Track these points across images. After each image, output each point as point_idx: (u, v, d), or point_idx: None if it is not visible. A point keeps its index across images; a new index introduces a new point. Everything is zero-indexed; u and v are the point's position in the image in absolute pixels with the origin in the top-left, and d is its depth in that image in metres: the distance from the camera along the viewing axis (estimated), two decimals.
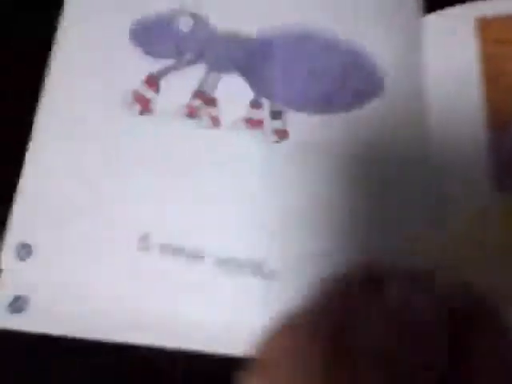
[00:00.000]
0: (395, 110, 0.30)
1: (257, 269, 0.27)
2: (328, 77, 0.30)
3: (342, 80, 0.30)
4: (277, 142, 0.29)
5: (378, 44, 0.31)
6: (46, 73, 0.29)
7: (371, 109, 0.30)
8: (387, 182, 0.29)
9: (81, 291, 0.26)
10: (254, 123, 0.29)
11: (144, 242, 0.27)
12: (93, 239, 0.26)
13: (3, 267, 0.26)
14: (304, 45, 0.31)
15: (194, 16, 0.30)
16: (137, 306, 0.26)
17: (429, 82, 0.30)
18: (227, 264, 0.27)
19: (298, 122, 0.29)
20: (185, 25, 0.30)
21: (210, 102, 0.29)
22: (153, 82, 0.29)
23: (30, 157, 0.28)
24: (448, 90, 0.30)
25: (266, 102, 0.30)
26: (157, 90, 0.29)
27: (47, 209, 0.27)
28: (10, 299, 0.26)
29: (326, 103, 0.30)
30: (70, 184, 0.27)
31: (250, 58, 0.30)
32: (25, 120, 0.28)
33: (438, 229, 0.27)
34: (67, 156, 0.28)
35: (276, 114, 0.30)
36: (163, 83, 0.29)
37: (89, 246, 0.26)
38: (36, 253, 0.26)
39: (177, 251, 0.27)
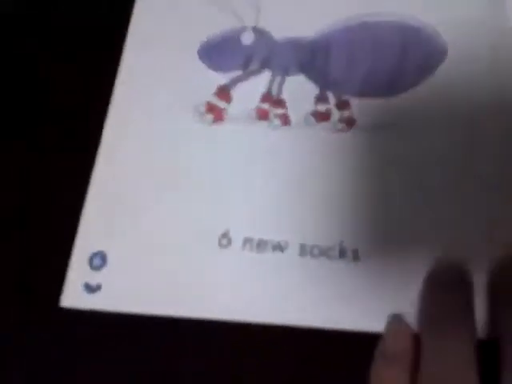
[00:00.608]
0: (461, 75, 0.30)
1: (341, 253, 0.28)
2: (387, 59, 0.32)
3: (402, 59, 0.31)
4: (345, 131, 0.30)
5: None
6: (113, 88, 0.32)
7: (436, 82, 0.31)
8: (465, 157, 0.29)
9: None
10: (321, 116, 0.31)
11: (225, 237, 0.28)
12: (176, 241, 0.29)
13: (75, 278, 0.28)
14: (361, 33, 0.32)
15: (255, 30, 0.33)
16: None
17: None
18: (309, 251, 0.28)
19: (364, 109, 0.31)
20: (248, 39, 0.33)
21: (278, 103, 0.31)
22: (224, 92, 0.32)
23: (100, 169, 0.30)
24: None
25: (330, 95, 0.31)
26: (229, 99, 0.32)
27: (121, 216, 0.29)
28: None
29: (389, 86, 0.31)
30: (145, 195, 0.29)
31: (311, 57, 0.32)
32: (93, 133, 0.31)
33: None
34: (141, 167, 0.30)
35: (342, 105, 0.31)
36: (234, 93, 0.32)
37: (172, 248, 0.28)
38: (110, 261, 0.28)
39: (261, 244, 0.28)
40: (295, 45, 0.33)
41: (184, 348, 0.26)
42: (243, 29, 0.33)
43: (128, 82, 0.32)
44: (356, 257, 0.27)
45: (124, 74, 0.32)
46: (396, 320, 0.25)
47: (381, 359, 0.24)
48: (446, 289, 0.25)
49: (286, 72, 0.32)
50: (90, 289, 0.27)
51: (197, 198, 0.29)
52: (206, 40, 0.33)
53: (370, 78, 0.31)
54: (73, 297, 0.27)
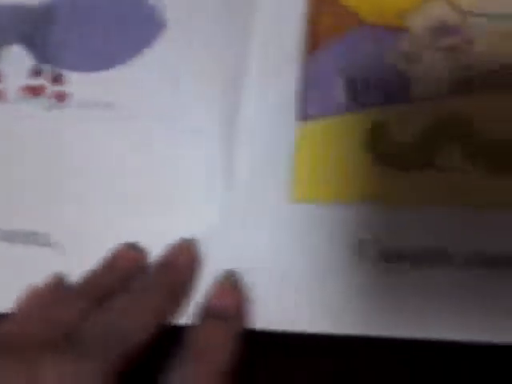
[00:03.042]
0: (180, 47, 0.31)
1: None
2: (105, 30, 0.31)
3: (120, 31, 0.31)
4: (60, 107, 0.30)
5: None
6: None
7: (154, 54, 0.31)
8: None
9: None
10: (34, 91, 0.31)
11: None
12: None
13: None
14: (84, 3, 0.31)
15: None
16: None
17: None
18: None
19: (80, 84, 0.30)
20: None
21: None
22: None
23: None
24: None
25: (46, 68, 0.31)
26: None
27: None
28: None
29: (105, 59, 0.31)
30: None
31: (32, 26, 0.31)
32: None
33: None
34: None
35: (56, 79, 0.31)
36: None
37: None
38: None
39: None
40: (15, 11, 0.31)
41: None
42: None
43: None
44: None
45: None
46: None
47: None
48: None
49: (4, 41, 0.31)
50: None
51: None
52: None
53: (86, 50, 0.31)
54: None
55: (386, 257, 0.25)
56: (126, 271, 0.26)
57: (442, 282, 0.25)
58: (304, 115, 0.28)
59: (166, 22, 0.31)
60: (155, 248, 0.27)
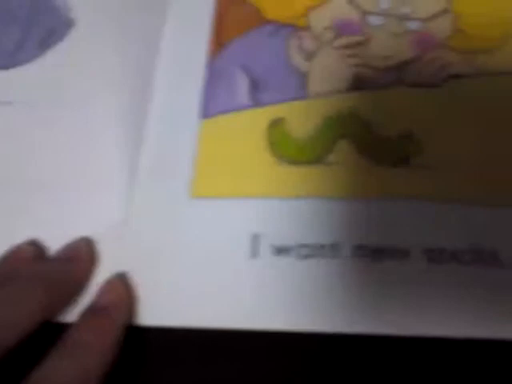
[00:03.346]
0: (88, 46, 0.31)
1: None
2: (13, 26, 0.31)
3: (27, 27, 0.31)
4: None
5: None
6: None
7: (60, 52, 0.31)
8: None
9: None
10: None
11: None
12: None
13: None
14: None
15: None
16: None
17: None
18: None
19: None
20: None
21: None
22: None
23: None
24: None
25: None
26: None
27: None
28: None
29: (11, 56, 0.31)
30: None
31: None
32: None
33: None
34: None
35: None
36: None
37: None
38: None
39: None
40: None
41: None
42: None
43: None
44: None
45: None
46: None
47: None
48: None
49: None
50: None
51: None
52: None
53: None
54: None
55: (277, 251, 0.26)
56: (20, 265, 0.26)
57: (330, 274, 0.25)
58: (207, 113, 0.29)
59: (73, 21, 0.31)
60: (54, 243, 0.27)
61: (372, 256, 0.25)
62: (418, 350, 0.24)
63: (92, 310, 0.24)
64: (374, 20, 0.29)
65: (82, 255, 0.26)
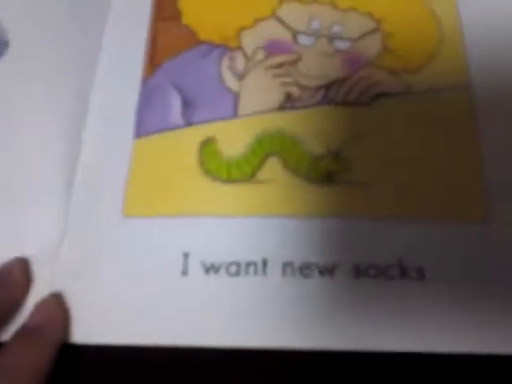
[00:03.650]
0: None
1: None
2: None
3: None
4: None
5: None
6: None
7: None
8: None
9: None
10: None
11: None
12: None
13: None
14: None
15: None
16: None
17: None
18: None
19: None
20: None
21: None
22: None
23: None
24: None
25: None
26: None
27: None
28: None
29: None
30: None
31: None
32: None
33: None
34: None
35: None
36: None
37: None
38: None
39: None
40: None
41: None
42: None
43: None
44: None
45: None
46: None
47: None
48: None
49: None
50: None
51: None
52: None
53: None
54: None
55: (206, 269, 0.26)
56: None
57: (259, 291, 0.25)
58: (140, 132, 0.29)
59: (7, 42, 0.31)
60: None
61: (300, 272, 0.25)
62: (350, 364, 0.25)
63: (23, 330, 0.24)
64: (305, 40, 0.30)
65: (16, 277, 0.26)
